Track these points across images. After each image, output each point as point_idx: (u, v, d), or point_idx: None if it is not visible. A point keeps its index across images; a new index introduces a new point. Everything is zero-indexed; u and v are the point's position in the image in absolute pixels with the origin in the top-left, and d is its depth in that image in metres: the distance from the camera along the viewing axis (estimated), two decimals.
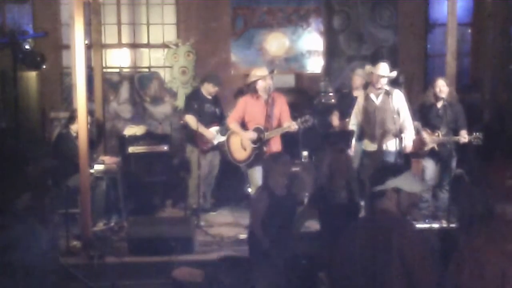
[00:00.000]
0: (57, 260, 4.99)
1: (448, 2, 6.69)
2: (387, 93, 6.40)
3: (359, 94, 7.02)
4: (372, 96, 6.49)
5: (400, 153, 6.36)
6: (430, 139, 6.61)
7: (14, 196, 5.30)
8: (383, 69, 6.45)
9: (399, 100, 6.46)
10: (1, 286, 3.42)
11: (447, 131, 6.54)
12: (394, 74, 6.53)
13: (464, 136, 6.39)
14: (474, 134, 6.38)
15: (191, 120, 7.09)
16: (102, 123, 7.76)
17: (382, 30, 9.49)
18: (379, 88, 6.44)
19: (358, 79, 7.52)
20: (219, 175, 7.55)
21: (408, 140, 6.40)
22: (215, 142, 7.19)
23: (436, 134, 6.58)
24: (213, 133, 7.15)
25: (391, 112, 6.35)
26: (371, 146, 6.55)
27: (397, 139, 6.27)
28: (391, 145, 6.42)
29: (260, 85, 6.35)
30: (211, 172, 7.38)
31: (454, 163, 6.68)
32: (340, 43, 9.50)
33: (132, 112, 9.32)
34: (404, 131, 6.39)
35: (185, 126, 7.38)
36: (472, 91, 9.26)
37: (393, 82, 6.76)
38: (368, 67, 6.80)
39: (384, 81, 6.42)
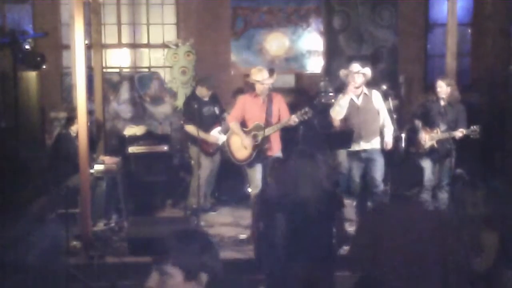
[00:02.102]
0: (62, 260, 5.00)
1: (448, 2, 6.69)
2: (367, 94, 6.50)
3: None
4: (353, 96, 6.53)
5: (388, 151, 6.49)
6: (429, 137, 6.63)
7: (13, 196, 5.30)
8: (355, 66, 6.53)
9: (378, 99, 6.60)
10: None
11: (447, 129, 6.55)
12: (367, 70, 6.56)
13: (461, 130, 6.40)
14: (472, 127, 6.39)
15: (192, 129, 7.01)
16: (102, 123, 7.76)
17: (382, 30, 9.49)
18: (358, 88, 6.49)
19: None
20: (219, 175, 7.54)
21: (388, 137, 6.54)
22: (220, 143, 7.17)
23: (435, 131, 6.59)
24: (215, 137, 7.14)
25: (372, 112, 6.47)
26: (355, 146, 6.58)
27: (381, 137, 6.40)
28: (376, 143, 6.50)
29: (258, 88, 6.37)
30: (212, 171, 7.37)
31: (453, 163, 6.69)
32: (340, 43, 9.50)
33: (132, 112, 9.32)
34: (384, 129, 6.55)
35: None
36: (472, 91, 9.26)
37: (393, 82, 6.79)
38: (342, 71, 6.82)
39: (359, 79, 6.45)
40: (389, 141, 6.54)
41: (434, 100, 6.69)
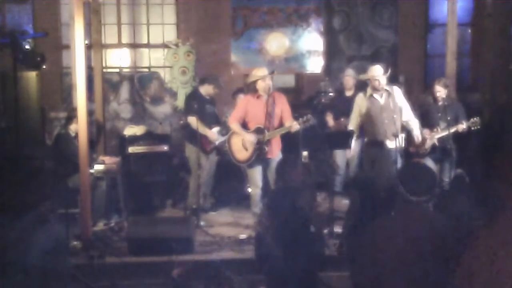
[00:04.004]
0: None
1: (448, 2, 6.69)
2: (388, 92, 6.44)
3: (351, 94, 7.13)
4: (376, 96, 6.48)
5: (401, 151, 6.44)
6: (430, 136, 6.63)
7: (14, 196, 5.30)
8: (376, 69, 6.47)
9: (400, 96, 6.53)
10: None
11: (446, 126, 6.55)
12: (388, 71, 6.55)
13: (462, 123, 6.41)
14: (472, 119, 6.40)
15: (194, 121, 7.03)
16: (102, 123, 7.76)
17: (382, 30, 9.49)
18: (381, 89, 6.45)
19: (349, 79, 7.59)
20: (219, 175, 7.54)
21: (417, 130, 6.50)
22: (217, 142, 7.19)
23: (435, 129, 6.60)
24: (216, 134, 7.15)
25: (393, 111, 6.40)
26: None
27: (398, 137, 6.34)
28: (397, 141, 6.46)
29: (260, 85, 6.35)
30: (209, 171, 7.37)
31: (454, 163, 6.69)
32: (340, 43, 9.50)
33: (132, 112, 9.32)
34: (410, 123, 6.49)
35: (185, 127, 7.37)
36: (472, 91, 9.26)
37: (393, 82, 6.79)
38: (362, 75, 6.80)
39: (383, 81, 6.43)
40: (418, 134, 6.48)
41: (432, 102, 6.70)
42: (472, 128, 6.43)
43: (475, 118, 6.40)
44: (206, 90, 7.20)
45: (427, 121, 6.71)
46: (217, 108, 7.43)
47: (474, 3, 9.62)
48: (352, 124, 6.72)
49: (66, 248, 3.56)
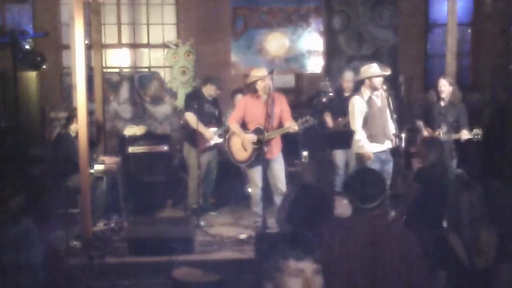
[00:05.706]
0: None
1: (448, 2, 6.69)
2: (382, 93, 6.46)
3: (350, 94, 7.12)
4: (374, 97, 6.47)
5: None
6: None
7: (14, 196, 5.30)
8: (374, 67, 6.46)
9: (388, 99, 6.53)
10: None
11: (448, 129, 6.54)
12: (387, 70, 6.55)
13: (464, 133, 6.41)
14: (474, 130, 6.41)
15: (191, 117, 7.04)
16: (102, 123, 7.76)
17: (382, 30, 9.49)
18: (378, 89, 6.45)
19: (348, 83, 7.58)
20: (219, 175, 7.54)
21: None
22: (212, 142, 7.18)
23: (437, 132, 6.59)
24: (211, 133, 7.14)
25: (388, 109, 6.42)
26: (380, 147, 6.50)
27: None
28: (389, 144, 6.45)
29: (260, 85, 6.34)
30: (210, 173, 7.36)
31: (454, 164, 6.68)
32: (340, 43, 9.50)
33: (132, 112, 9.32)
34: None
35: (184, 125, 7.37)
36: (472, 91, 9.26)
37: (393, 82, 6.79)
38: (360, 75, 6.79)
39: (381, 80, 6.44)
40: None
41: (434, 100, 6.68)
42: (474, 139, 6.43)
43: (477, 130, 6.40)
44: (208, 90, 7.19)
45: (428, 122, 6.69)
46: (220, 109, 7.41)
47: (474, 3, 9.62)
48: (356, 125, 6.63)
49: (36, 244, 3.56)
